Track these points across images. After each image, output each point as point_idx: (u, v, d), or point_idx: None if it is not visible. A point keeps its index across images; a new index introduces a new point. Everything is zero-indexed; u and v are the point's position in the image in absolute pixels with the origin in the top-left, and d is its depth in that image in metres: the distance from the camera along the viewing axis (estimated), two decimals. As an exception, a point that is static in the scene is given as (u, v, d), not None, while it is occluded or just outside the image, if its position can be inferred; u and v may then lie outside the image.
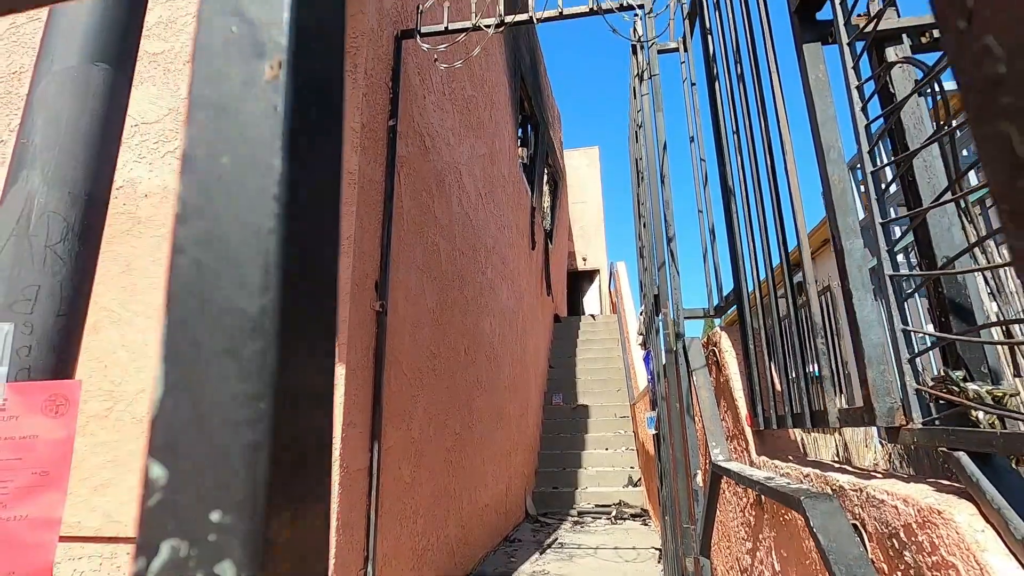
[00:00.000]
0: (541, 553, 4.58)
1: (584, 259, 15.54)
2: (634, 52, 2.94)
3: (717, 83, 2.05)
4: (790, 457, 1.67)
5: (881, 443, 4.28)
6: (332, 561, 2.07)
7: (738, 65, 1.74)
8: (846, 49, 1.12)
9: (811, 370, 1.49)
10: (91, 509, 2.19)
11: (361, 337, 2.39)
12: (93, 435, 2.27)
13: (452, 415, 3.83)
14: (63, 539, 2.17)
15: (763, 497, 1.73)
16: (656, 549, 4.49)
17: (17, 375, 1.15)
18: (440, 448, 3.53)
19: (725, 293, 2.18)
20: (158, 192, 2.57)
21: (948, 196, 0.88)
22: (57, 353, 1.21)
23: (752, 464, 1.81)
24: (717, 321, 2.58)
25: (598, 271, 15.66)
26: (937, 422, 0.94)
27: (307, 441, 0.11)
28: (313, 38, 0.11)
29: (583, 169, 15.77)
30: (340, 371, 2.23)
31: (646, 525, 5.61)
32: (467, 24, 2.80)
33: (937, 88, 0.90)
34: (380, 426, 2.44)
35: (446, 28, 2.85)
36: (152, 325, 2.38)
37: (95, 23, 1.41)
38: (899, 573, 0.90)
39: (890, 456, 3.29)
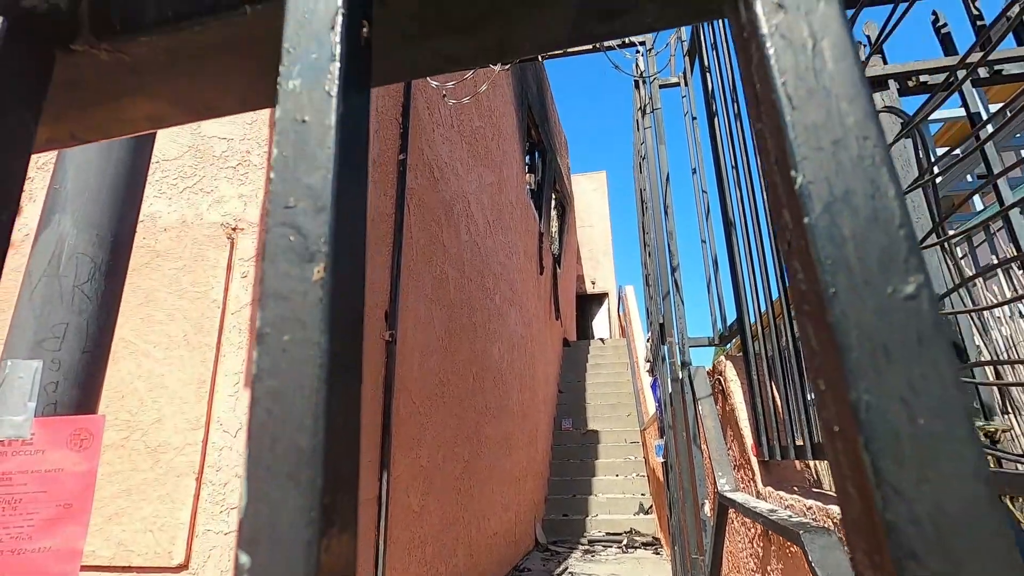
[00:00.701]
0: (551, 583, 4.51)
1: (593, 282, 15.56)
2: (637, 87, 3.03)
3: (716, 119, 2.11)
4: (795, 488, 1.67)
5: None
6: (341, 592, 2.08)
7: (735, 103, 1.80)
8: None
9: (812, 399, 1.51)
10: (105, 538, 2.22)
11: (371, 367, 2.43)
12: (109, 464, 2.31)
13: (461, 442, 3.84)
14: (77, 568, 2.20)
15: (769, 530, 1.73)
16: (668, 579, 4.41)
17: (44, 410, 1.20)
18: (449, 476, 3.53)
19: (729, 322, 2.21)
20: (176, 226, 2.66)
21: (933, 239, 0.92)
22: (82, 388, 1.27)
23: (758, 495, 1.81)
24: (730, 345, 2.60)
25: (607, 294, 15.67)
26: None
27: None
28: (346, 245, 0.15)
29: (590, 193, 15.91)
30: (350, 400, 2.26)
31: (658, 554, 5.52)
32: (474, 62, 2.90)
33: (919, 137, 0.95)
34: (389, 455, 2.46)
35: (454, 66, 2.95)
36: (168, 356, 2.44)
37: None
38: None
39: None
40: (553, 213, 10.41)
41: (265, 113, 2.80)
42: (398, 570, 2.64)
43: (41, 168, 2.76)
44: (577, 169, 18.50)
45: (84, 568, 2.23)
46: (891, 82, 1.19)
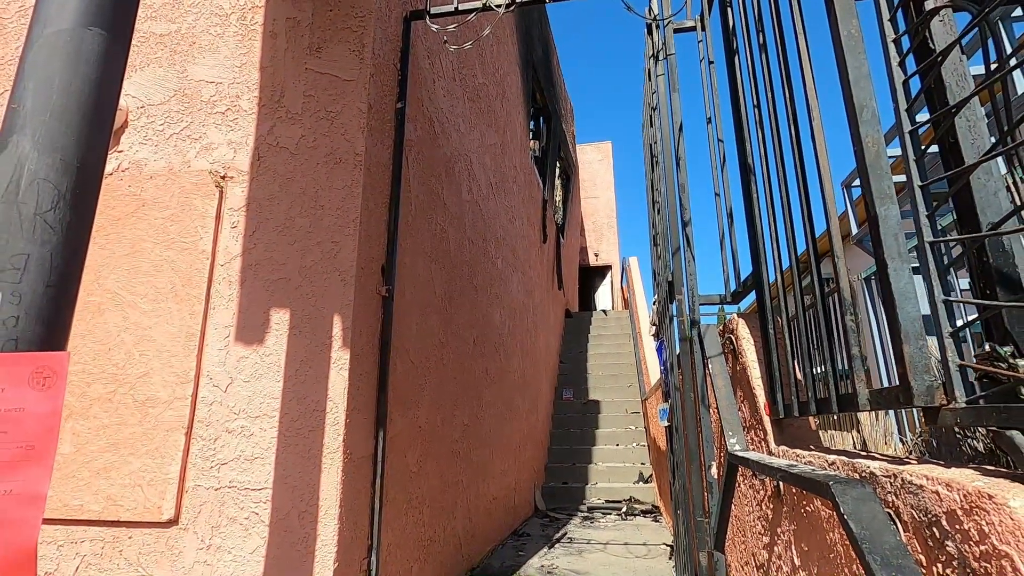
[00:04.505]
0: (550, 548, 4.52)
1: (596, 255, 15.42)
2: (649, 32, 2.85)
3: (737, 56, 1.96)
4: (811, 446, 1.58)
5: (902, 440, 4.16)
6: (335, 550, 2.02)
7: (760, 34, 1.65)
8: (882, 1, 1.04)
9: (838, 355, 1.40)
10: (93, 492, 2.16)
11: (366, 321, 2.34)
12: (96, 418, 2.24)
13: (460, 406, 3.78)
14: (65, 522, 2.15)
15: (782, 489, 1.65)
16: (667, 545, 4.40)
17: (4, 346, 1.10)
18: (447, 438, 3.47)
19: (743, 278, 2.09)
20: (163, 174, 2.54)
21: (999, 150, 0.79)
22: (46, 325, 1.17)
23: (771, 454, 1.73)
24: (740, 307, 2.50)
25: (610, 267, 15.54)
26: (982, 401, 0.86)
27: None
28: None
29: (596, 164, 15.65)
30: (345, 356, 2.18)
31: (657, 521, 5.53)
32: (477, 4, 2.72)
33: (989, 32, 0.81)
34: (386, 413, 2.39)
35: (456, 8, 2.78)
36: (156, 308, 2.34)
37: (90, -13, 1.36)
38: (939, 565, 0.82)
39: (911, 453, 3.18)
40: (558, 181, 10.22)
41: (256, 55, 2.64)
42: (395, 530, 2.59)
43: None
44: (582, 140, 18.14)
45: (74, 522, 2.18)
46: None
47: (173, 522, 2.12)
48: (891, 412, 4.26)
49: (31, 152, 1.22)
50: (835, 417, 4.64)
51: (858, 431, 4.73)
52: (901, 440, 4.10)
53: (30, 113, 1.25)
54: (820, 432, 2.30)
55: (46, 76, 1.29)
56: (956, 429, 2.04)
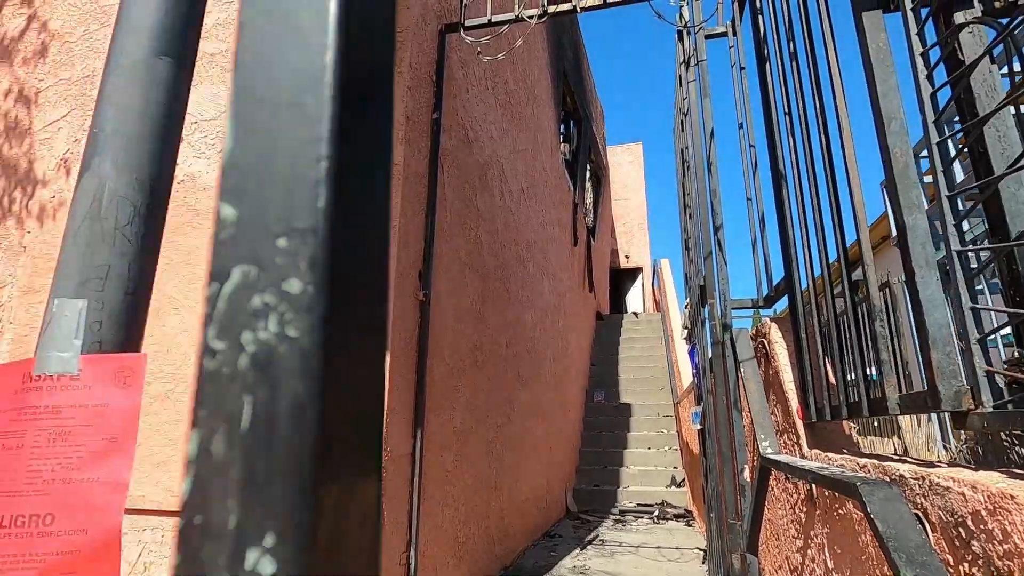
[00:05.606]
0: (582, 549, 4.55)
1: (627, 257, 15.33)
2: (680, 39, 2.88)
3: (768, 64, 1.98)
4: (844, 450, 1.60)
5: (945, 447, 4.04)
6: (376, 542, 2.12)
7: (791, 42, 1.67)
8: (910, 15, 1.07)
9: (869, 359, 1.42)
10: (154, 484, 2.31)
11: (405, 325, 2.44)
12: (156, 415, 2.40)
13: (493, 407, 3.85)
14: (129, 511, 2.31)
15: (815, 492, 1.66)
16: (700, 550, 4.38)
17: (89, 348, 1.22)
18: (481, 440, 3.55)
19: (775, 282, 2.11)
20: (214, 186, 2.69)
21: (1024, 163, 0.82)
22: (125, 329, 1.28)
23: (803, 458, 1.74)
24: (773, 312, 2.50)
25: (641, 269, 15.42)
26: (1010, 406, 0.88)
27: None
28: (363, 31, 0.11)
29: (626, 166, 15.56)
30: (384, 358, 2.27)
31: (690, 526, 5.49)
32: (510, 16, 2.80)
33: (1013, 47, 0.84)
34: (423, 413, 2.48)
35: (489, 20, 2.86)
36: (210, 312, 2.49)
37: (160, 19, 1.49)
38: (966, 564, 0.84)
39: (954, 460, 3.09)
40: (588, 184, 10.22)
41: (299, 72, 2.77)
42: (431, 526, 2.68)
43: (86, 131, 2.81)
44: (612, 141, 18.05)
45: (137, 512, 2.34)
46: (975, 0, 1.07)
47: (226, 513, 2.25)
48: (934, 419, 4.14)
49: (111, 172, 1.35)
50: (875, 424, 4.54)
51: (899, 437, 4.61)
52: (944, 447, 3.99)
53: (109, 137, 1.38)
54: (860, 439, 2.28)
55: (122, 102, 1.41)
56: (1003, 436, 2.00)
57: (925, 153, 1.83)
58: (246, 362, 0.09)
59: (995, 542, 0.77)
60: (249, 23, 0.10)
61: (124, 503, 1.17)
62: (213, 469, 0.09)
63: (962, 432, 4.13)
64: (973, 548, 0.82)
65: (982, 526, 0.79)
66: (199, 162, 2.76)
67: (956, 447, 4.09)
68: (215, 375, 0.09)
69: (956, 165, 1.11)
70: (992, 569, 0.78)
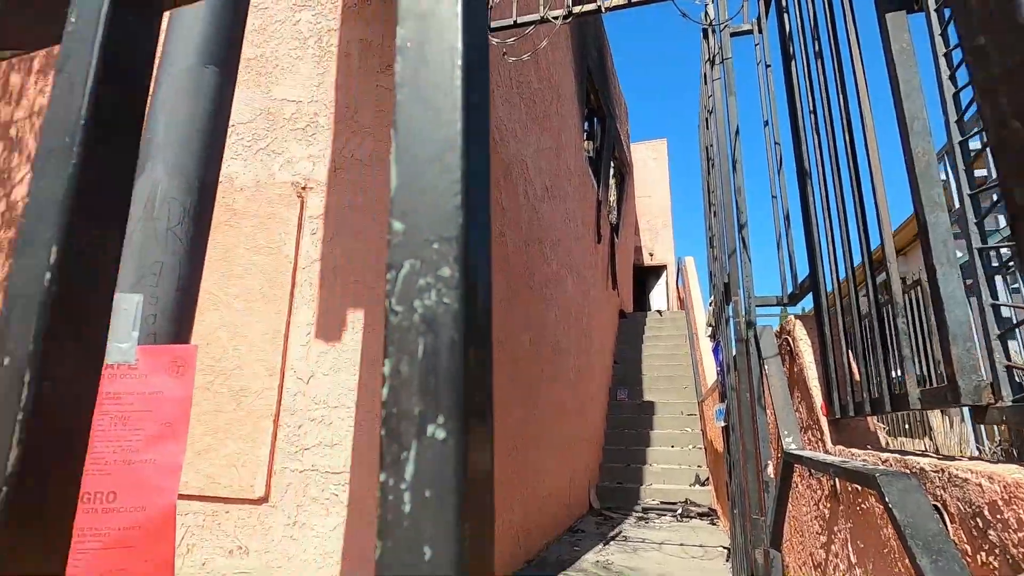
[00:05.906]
0: (605, 544, 4.58)
1: (651, 254, 15.22)
2: (705, 36, 2.88)
3: (793, 62, 1.98)
4: (868, 446, 1.61)
5: (979, 448, 3.95)
6: (405, 530, 2.19)
7: (816, 42, 1.68)
8: (933, 15, 1.08)
9: (892, 354, 1.43)
10: (196, 471, 2.43)
11: (433, 321, 2.50)
12: (197, 405, 2.52)
13: (516, 403, 3.91)
14: (173, 496, 2.43)
15: (838, 488, 1.68)
16: (724, 548, 4.37)
17: (144, 340, 1.32)
18: (505, 435, 3.61)
19: (800, 280, 2.11)
20: (251, 186, 2.81)
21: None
22: (177, 322, 1.38)
23: (827, 454, 1.75)
24: (798, 310, 2.50)
25: (665, 266, 15.30)
26: (1030, 401, 0.90)
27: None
28: (477, 111, 0.16)
29: (650, 163, 15.44)
30: (413, 352, 2.35)
31: (714, 524, 5.47)
32: (535, 17, 2.84)
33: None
34: (450, 406, 2.54)
35: (515, 22, 2.91)
36: (248, 308, 2.60)
37: (205, 30, 1.59)
38: (983, 553, 0.87)
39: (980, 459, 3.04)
40: (612, 181, 10.20)
41: (331, 75, 2.87)
42: (458, 517, 2.75)
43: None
44: (636, 137, 17.92)
45: (181, 496, 2.46)
46: None
47: (264, 500, 2.36)
48: (967, 419, 4.05)
49: (163, 175, 1.45)
50: (907, 425, 4.46)
51: (931, 439, 4.52)
52: (978, 448, 3.90)
53: (161, 142, 1.47)
54: (890, 440, 2.28)
55: (172, 109, 1.51)
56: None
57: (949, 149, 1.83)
58: (417, 319, 0.14)
59: (1011, 530, 0.79)
60: (404, 102, 0.15)
61: (178, 484, 1.26)
62: (401, 381, 0.14)
63: (996, 433, 4.04)
64: (990, 537, 0.84)
65: (998, 515, 0.82)
66: (236, 163, 2.87)
67: (990, 448, 4.00)
68: (398, 327, 0.14)
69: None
70: (1008, 557, 0.80)
